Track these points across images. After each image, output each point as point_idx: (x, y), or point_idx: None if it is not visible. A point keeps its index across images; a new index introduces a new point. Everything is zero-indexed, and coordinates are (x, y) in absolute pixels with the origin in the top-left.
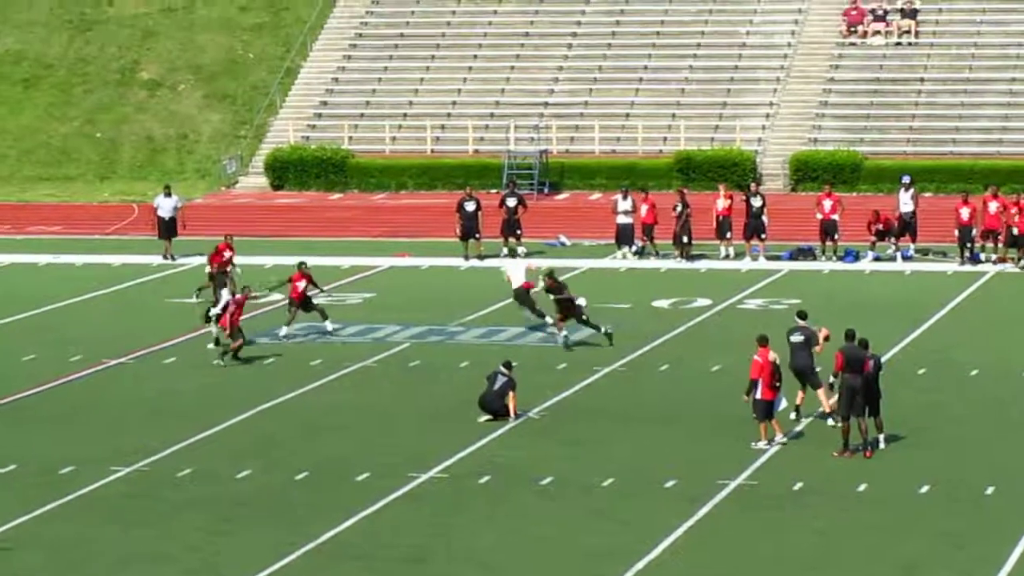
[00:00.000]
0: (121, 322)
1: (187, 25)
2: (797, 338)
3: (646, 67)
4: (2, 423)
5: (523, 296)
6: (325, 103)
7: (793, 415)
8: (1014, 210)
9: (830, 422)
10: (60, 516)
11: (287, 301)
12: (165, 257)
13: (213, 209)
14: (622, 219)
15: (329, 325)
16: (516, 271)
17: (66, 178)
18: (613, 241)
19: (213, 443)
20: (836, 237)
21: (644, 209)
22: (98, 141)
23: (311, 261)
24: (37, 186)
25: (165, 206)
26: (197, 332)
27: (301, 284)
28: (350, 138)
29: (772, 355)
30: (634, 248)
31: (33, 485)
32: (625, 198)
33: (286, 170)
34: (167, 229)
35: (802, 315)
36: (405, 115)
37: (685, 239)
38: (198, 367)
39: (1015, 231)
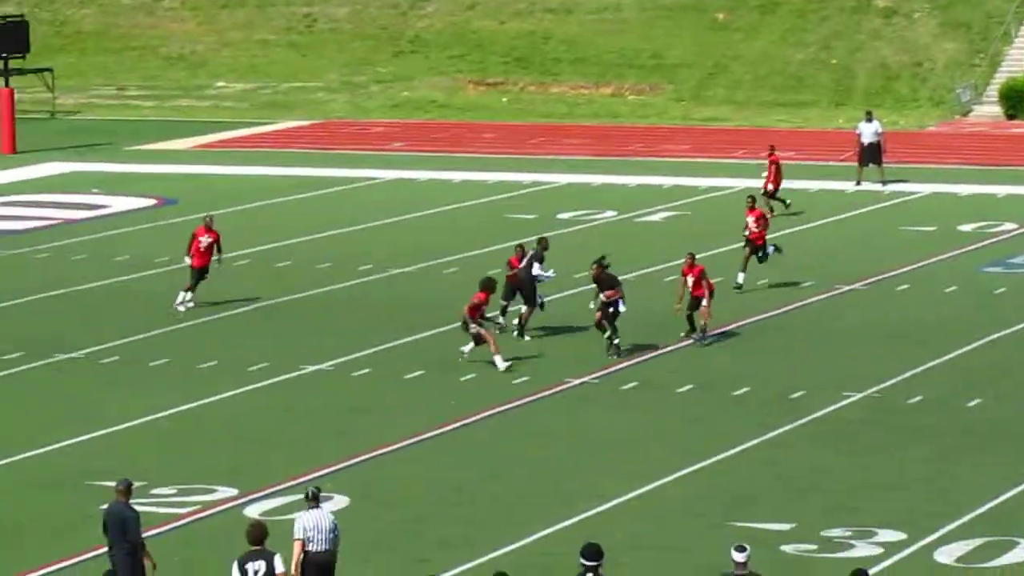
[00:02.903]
0: (853, 249)
1: None
2: None
3: None
4: (737, 346)
5: None
6: None
7: None
8: None
9: None
10: (792, 440)
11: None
12: (858, 183)
13: (946, 138)
14: None
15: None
16: None
17: (800, 104)
18: None
19: (945, 371)
20: None
21: None
22: (833, 68)
23: None
24: (771, 112)
25: (866, 132)
26: (930, 259)
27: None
28: None
29: None
30: None
31: (765, 409)
32: None
33: (1020, 100)
34: (868, 155)
35: None
36: None
37: None
38: (933, 294)
39: None
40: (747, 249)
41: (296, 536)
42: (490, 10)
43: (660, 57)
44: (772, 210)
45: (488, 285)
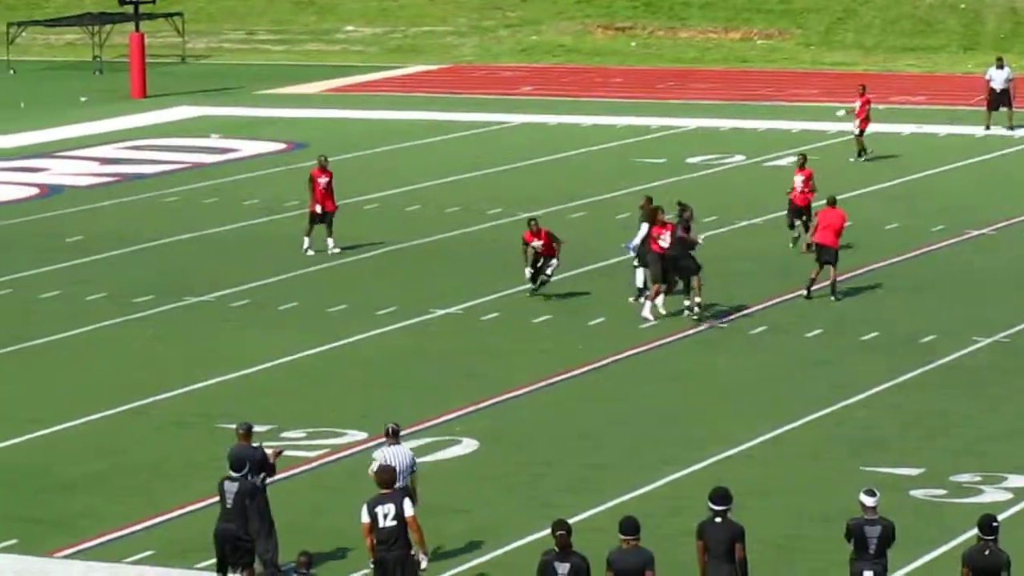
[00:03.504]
0: (982, 194)
1: None
2: None
3: None
4: (866, 291)
5: None
6: None
7: None
8: None
9: None
10: (920, 385)
11: None
12: (987, 128)
13: None
14: None
15: None
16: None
17: (929, 49)
18: None
19: None
20: None
21: None
22: (962, 12)
23: None
24: (900, 56)
25: (997, 78)
26: None
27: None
28: None
29: None
30: None
31: (894, 354)
32: None
33: None
34: (997, 101)
35: None
36: None
37: None
38: None
39: None
40: (790, 214)
41: (372, 469)
42: None
43: (788, 2)
44: (864, 151)
45: (652, 215)
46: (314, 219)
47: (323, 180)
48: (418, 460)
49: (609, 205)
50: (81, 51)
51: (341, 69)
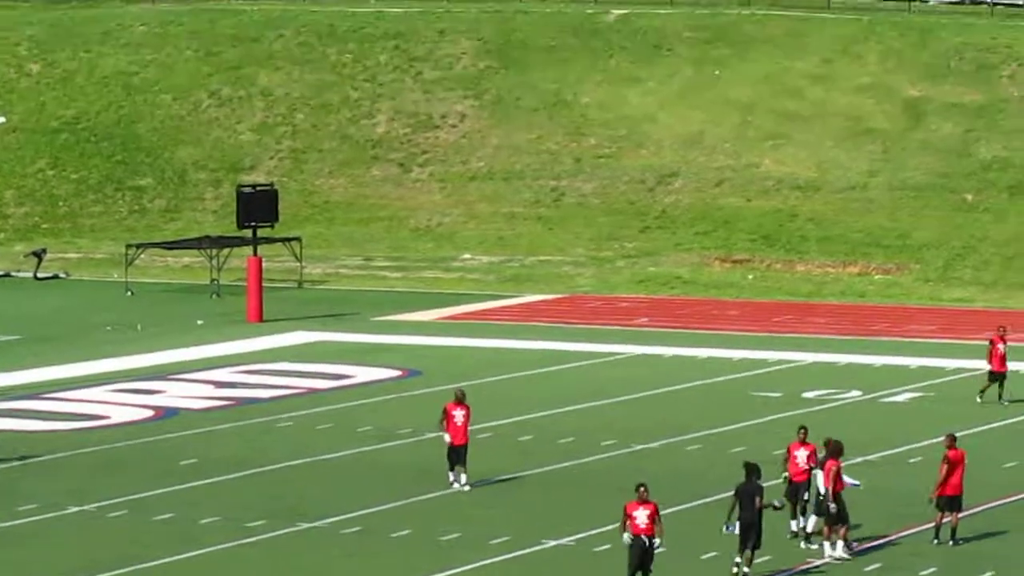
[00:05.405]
0: None
1: None
2: None
3: None
4: (982, 530)
5: None
6: None
7: None
8: None
9: None
10: None
11: None
12: None
13: None
14: None
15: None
16: None
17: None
18: None
19: None
20: None
21: None
22: None
23: None
24: (1020, 294)
25: None
26: None
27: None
28: None
29: None
30: None
31: None
32: None
33: None
34: None
35: None
36: None
37: None
38: None
39: None
40: (789, 489)
41: None
42: (737, 187)
43: (907, 237)
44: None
45: (837, 450)
46: (451, 453)
47: (458, 414)
48: None
49: (725, 438)
50: (198, 274)
51: (458, 297)
